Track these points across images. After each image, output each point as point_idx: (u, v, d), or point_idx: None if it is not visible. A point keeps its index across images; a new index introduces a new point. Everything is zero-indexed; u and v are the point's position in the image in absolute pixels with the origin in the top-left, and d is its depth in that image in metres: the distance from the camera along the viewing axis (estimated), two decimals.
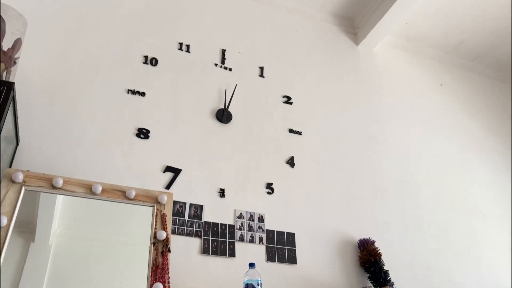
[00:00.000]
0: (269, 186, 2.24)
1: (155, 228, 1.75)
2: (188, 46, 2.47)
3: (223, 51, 2.56)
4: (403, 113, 2.92)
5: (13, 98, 1.53)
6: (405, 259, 2.33)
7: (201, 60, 2.47)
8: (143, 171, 2.01)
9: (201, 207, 2.03)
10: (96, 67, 2.19)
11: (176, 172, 2.07)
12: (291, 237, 2.14)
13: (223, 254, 1.96)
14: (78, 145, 1.95)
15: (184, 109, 2.27)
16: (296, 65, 2.76)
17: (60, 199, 1.74)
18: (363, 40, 3.02)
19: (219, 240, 1.98)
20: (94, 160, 1.95)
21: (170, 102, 2.26)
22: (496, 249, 2.63)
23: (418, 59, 3.28)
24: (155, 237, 1.72)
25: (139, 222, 1.79)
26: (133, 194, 1.78)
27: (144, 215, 1.79)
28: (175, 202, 1.98)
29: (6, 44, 1.57)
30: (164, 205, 1.82)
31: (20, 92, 1.78)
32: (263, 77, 2.60)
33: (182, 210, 1.99)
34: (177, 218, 1.96)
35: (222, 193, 2.12)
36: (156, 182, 2.01)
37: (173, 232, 1.90)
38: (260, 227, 2.10)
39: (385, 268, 2.15)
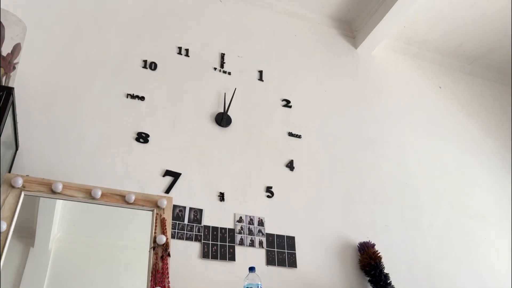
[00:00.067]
0: (268, 189, 2.24)
1: (155, 232, 1.74)
2: (187, 50, 2.47)
3: (222, 55, 2.57)
4: (402, 116, 2.93)
5: (13, 103, 1.53)
6: (405, 262, 2.33)
7: (200, 64, 2.47)
8: (142, 175, 2.01)
9: (200, 211, 2.03)
10: (95, 72, 2.19)
11: (175, 176, 2.07)
12: (291, 240, 2.14)
13: (223, 258, 1.96)
14: (77, 149, 1.96)
15: (183, 113, 2.28)
16: (295, 68, 2.76)
17: (59, 203, 1.74)
18: (361, 44, 3.02)
19: (219, 244, 1.98)
20: (93, 164, 1.95)
21: (170, 106, 2.26)
22: (496, 251, 2.63)
23: (417, 62, 3.28)
24: (154, 241, 1.72)
25: (139, 226, 1.79)
26: (132, 198, 1.78)
27: (143, 219, 1.79)
28: (174, 206, 1.97)
29: (6, 49, 1.57)
30: (163, 209, 1.82)
31: (19, 97, 1.78)
32: (262, 81, 2.60)
33: (181, 214, 1.99)
34: (177, 222, 1.95)
35: (221, 196, 2.12)
36: (156, 186, 2.01)
37: (172, 236, 1.90)
38: (260, 231, 2.10)
39: (386, 271, 2.14)
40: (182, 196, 2.03)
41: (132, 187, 1.92)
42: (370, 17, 2.94)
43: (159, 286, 1.59)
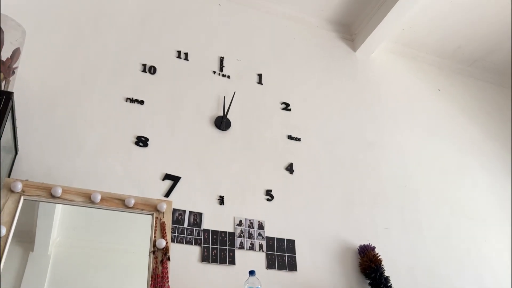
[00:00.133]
0: (268, 192, 2.24)
1: (155, 236, 1.74)
2: (186, 54, 2.48)
3: (221, 59, 2.57)
4: (401, 119, 2.93)
5: (12, 108, 1.53)
6: (406, 265, 2.33)
7: (200, 68, 2.48)
8: (142, 179, 2.01)
9: (200, 214, 2.03)
10: (95, 76, 2.19)
11: (175, 179, 2.07)
12: (291, 243, 2.13)
13: (223, 261, 1.95)
14: (77, 153, 1.96)
15: (182, 117, 2.28)
16: (294, 71, 2.76)
17: (59, 208, 1.74)
18: (360, 47, 3.03)
19: (218, 248, 1.98)
20: (93, 168, 1.95)
21: (169, 110, 2.26)
22: (496, 253, 2.62)
23: (416, 65, 3.29)
24: (154, 245, 1.72)
25: (139, 230, 1.79)
26: (132, 202, 1.78)
27: (143, 223, 1.79)
28: (174, 210, 1.97)
29: (5, 54, 1.57)
30: (163, 213, 1.82)
31: (19, 101, 1.78)
32: (262, 84, 2.61)
33: (181, 218, 1.98)
34: (177, 226, 1.95)
35: (221, 200, 2.12)
36: (155, 190, 2.01)
37: (172, 240, 1.89)
38: (260, 234, 2.09)
39: (386, 274, 2.14)
40: (182, 199, 2.03)
41: (131, 191, 1.92)
42: (368, 20, 2.95)
43: None
